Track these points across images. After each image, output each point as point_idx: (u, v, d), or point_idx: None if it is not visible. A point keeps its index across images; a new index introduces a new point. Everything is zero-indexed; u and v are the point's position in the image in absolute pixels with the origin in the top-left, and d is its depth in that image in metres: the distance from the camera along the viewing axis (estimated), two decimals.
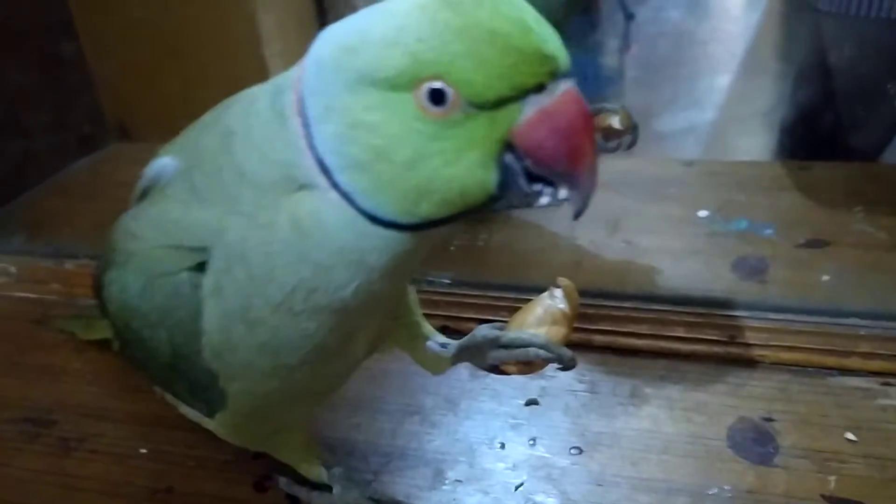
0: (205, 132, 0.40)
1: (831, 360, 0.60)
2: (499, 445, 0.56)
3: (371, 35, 0.32)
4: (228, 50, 1.16)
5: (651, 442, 0.56)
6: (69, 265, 0.79)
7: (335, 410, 0.60)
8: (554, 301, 0.45)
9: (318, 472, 0.51)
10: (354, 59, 0.32)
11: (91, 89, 1.07)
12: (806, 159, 0.96)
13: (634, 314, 0.64)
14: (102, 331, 0.68)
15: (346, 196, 0.33)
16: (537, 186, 0.33)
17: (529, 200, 0.33)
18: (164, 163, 0.42)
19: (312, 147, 0.33)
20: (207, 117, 0.41)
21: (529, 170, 0.32)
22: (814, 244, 0.74)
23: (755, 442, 0.55)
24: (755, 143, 1.37)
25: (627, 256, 0.75)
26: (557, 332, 0.44)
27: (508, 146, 0.32)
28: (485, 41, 0.30)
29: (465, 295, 0.68)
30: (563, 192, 0.33)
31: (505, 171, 0.32)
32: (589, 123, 0.32)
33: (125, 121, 1.23)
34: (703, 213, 0.81)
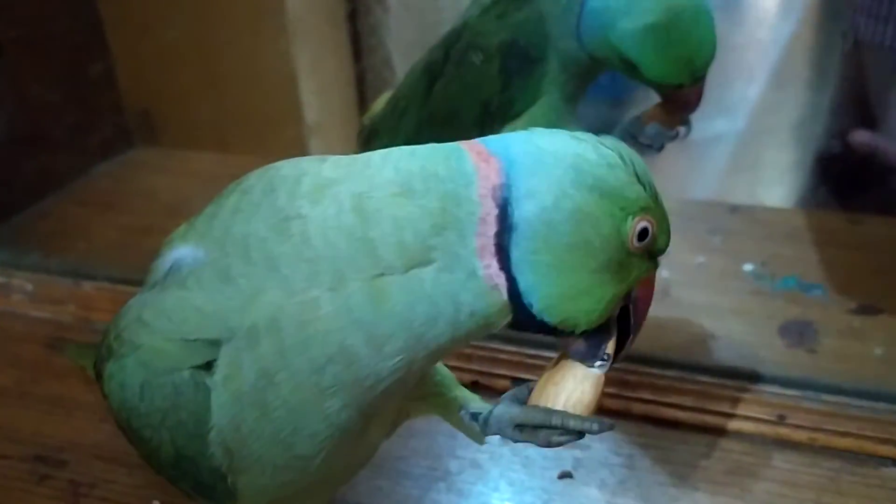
0: (240, 219, 0.37)
1: (884, 450, 0.57)
2: None
3: (606, 184, 0.35)
4: (260, 76, 1.13)
5: None
6: (87, 286, 0.77)
7: None
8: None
9: None
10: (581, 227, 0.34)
11: (114, 91, 1.04)
12: (839, 191, 0.92)
13: (677, 384, 0.61)
14: None
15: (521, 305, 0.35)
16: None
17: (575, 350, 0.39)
18: (183, 253, 0.38)
19: (510, 278, 0.34)
20: (235, 201, 0.38)
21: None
22: (866, 310, 0.70)
23: None
24: (784, 158, 1.33)
25: (670, 312, 0.71)
26: (580, 399, 0.38)
27: None
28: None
29: (497, 350, 0.65)
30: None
31: None
32: None
33: (151, 118, 1.21)
34: (748, 267, 0.77)
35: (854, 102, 0.97)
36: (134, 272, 0.76)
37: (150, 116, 1.17)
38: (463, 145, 0.36)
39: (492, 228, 0.34)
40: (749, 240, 0.82)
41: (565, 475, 0.57)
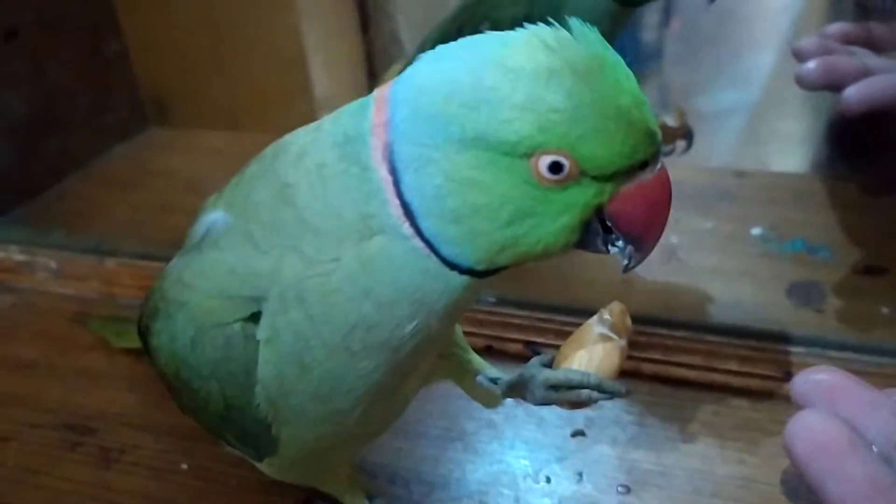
0: (255, 186, 0.39)
1: None
2: (544, 479, 0.55)
3: (491, 94, 0.30)
4: (269, 53, 1.14)
5: (701, 484, 0.54)
6: (109, 262, 0.79)
7: None
8: (604, 326, 0.42)
9: (361, 503, 0.51)
10: (469, 116, 0.31)
11: (129, 72, 1.06)
12: (856, 162, 0.92)
13: (686, 344, 0.63)
14: (134, 339, 0.67)
15: (426, 241, 0.33)
16: (610, 245, 0.35)
17: (593, 251, 0.35)
18: (215, 218, 0.40)
19: (400, 194, 0.33)
20: (253, 169, 0.40)
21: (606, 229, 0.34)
22: (873, 271, 0.72)
23: (810, 490, 0.53)
24: (797, 128, 1.33)
25: (678, 276, 0.73)
26: (610, 365, 0.41)
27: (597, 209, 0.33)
28: (612, 118, 0.30)
29: (509, 315, 0.67)
30: (627, 250, 0.35)
31: (587, 230, 0.34)
32: (670, 199, 0.34)
33: (163, 101, 1.22)
34: (755, 231, 0.78)
35: None
36: (154, 248, 0.79)
37: (163, 100, 1.19)
38: (378, 91, 0.34)
39: (394, 199, 0.32)
40: (756, 204, 0.83)
41: (578, 433, 0.59)
